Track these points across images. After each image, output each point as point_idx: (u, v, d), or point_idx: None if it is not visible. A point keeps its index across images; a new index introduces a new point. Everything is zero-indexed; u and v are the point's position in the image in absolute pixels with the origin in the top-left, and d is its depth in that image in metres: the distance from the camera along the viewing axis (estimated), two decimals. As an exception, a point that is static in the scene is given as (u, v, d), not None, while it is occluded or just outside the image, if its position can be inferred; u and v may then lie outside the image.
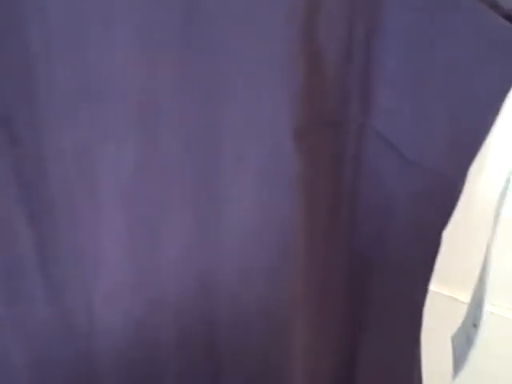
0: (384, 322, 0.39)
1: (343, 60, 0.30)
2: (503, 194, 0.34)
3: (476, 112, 0.31)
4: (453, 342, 0.39)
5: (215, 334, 0.33)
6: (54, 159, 0.27)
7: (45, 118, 0.26)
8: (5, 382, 0.31)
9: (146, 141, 0.28)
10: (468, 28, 0.29)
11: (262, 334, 0.34)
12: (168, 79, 0.27)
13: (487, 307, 0.37)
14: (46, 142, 0.27)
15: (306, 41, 0.27)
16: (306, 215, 0.32)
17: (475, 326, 0.36)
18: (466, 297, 0.51)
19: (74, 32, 0.25)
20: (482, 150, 0.34)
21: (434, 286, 0.39)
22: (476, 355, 0.38)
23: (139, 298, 0.31)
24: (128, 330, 0.31)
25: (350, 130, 0.33)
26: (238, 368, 0.34)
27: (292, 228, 0.31)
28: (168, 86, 0.27)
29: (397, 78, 0.31)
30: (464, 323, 0.38)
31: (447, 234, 0.37)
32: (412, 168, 0.33)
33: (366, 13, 0.29)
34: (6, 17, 0.24)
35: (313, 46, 0.28)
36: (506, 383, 0.54)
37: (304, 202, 0.32)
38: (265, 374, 0.34)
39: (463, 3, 0.28)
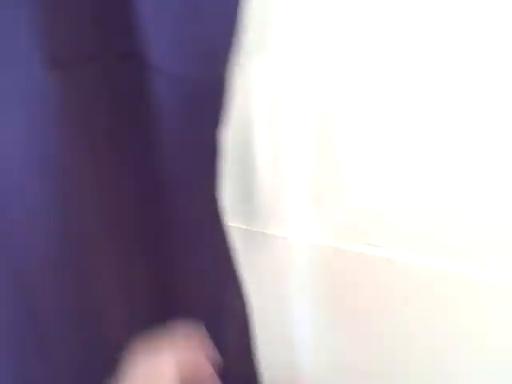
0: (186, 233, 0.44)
1: None
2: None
3: (215, 28, 0.36)
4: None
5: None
6: None
7: None
8: None
9: None
10: None
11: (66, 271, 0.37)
12: None
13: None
14: None
15: None
16: (82, 145, 0.34)
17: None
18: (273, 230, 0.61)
19: None
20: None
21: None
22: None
23: None
24: None
25: (116, 59, 0.35)
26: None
27: (58, 165, 0.32)
28: None
29: (151, 4, 0.34)
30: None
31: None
32: (174, 82, 0.36)
33: None
34: None
35: None
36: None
37: (77, 133, 0.33)
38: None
39: None
